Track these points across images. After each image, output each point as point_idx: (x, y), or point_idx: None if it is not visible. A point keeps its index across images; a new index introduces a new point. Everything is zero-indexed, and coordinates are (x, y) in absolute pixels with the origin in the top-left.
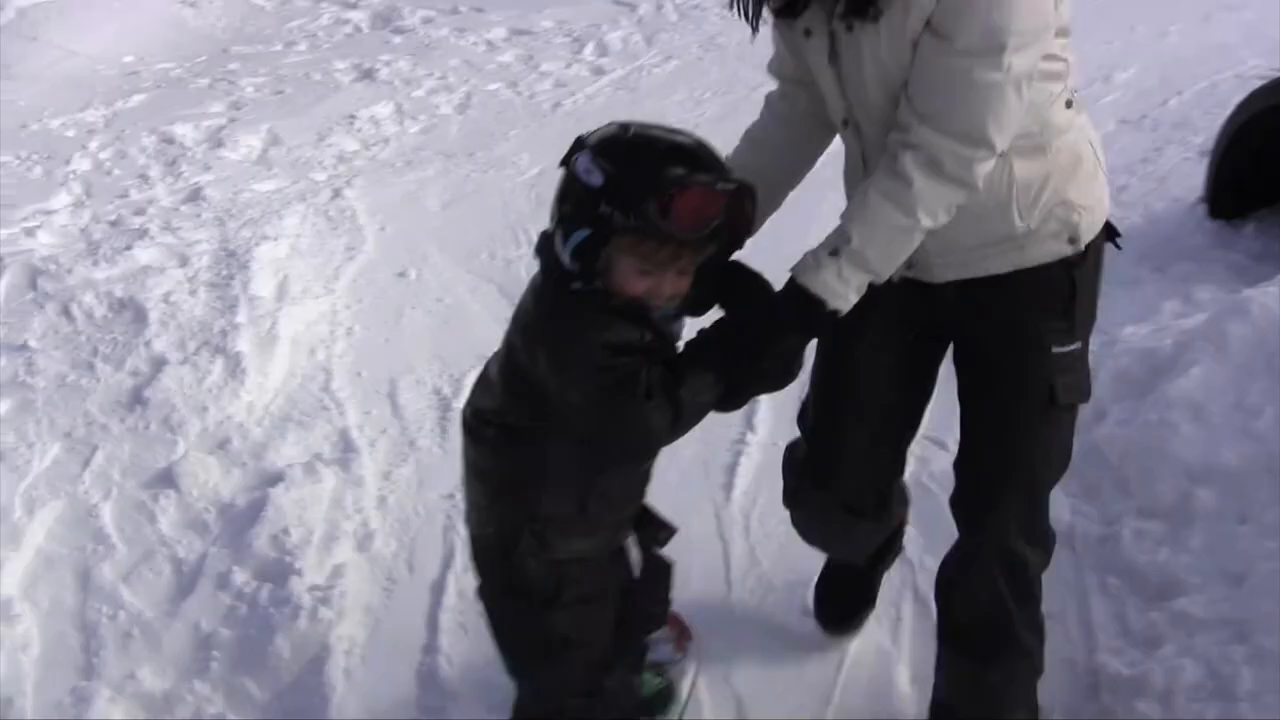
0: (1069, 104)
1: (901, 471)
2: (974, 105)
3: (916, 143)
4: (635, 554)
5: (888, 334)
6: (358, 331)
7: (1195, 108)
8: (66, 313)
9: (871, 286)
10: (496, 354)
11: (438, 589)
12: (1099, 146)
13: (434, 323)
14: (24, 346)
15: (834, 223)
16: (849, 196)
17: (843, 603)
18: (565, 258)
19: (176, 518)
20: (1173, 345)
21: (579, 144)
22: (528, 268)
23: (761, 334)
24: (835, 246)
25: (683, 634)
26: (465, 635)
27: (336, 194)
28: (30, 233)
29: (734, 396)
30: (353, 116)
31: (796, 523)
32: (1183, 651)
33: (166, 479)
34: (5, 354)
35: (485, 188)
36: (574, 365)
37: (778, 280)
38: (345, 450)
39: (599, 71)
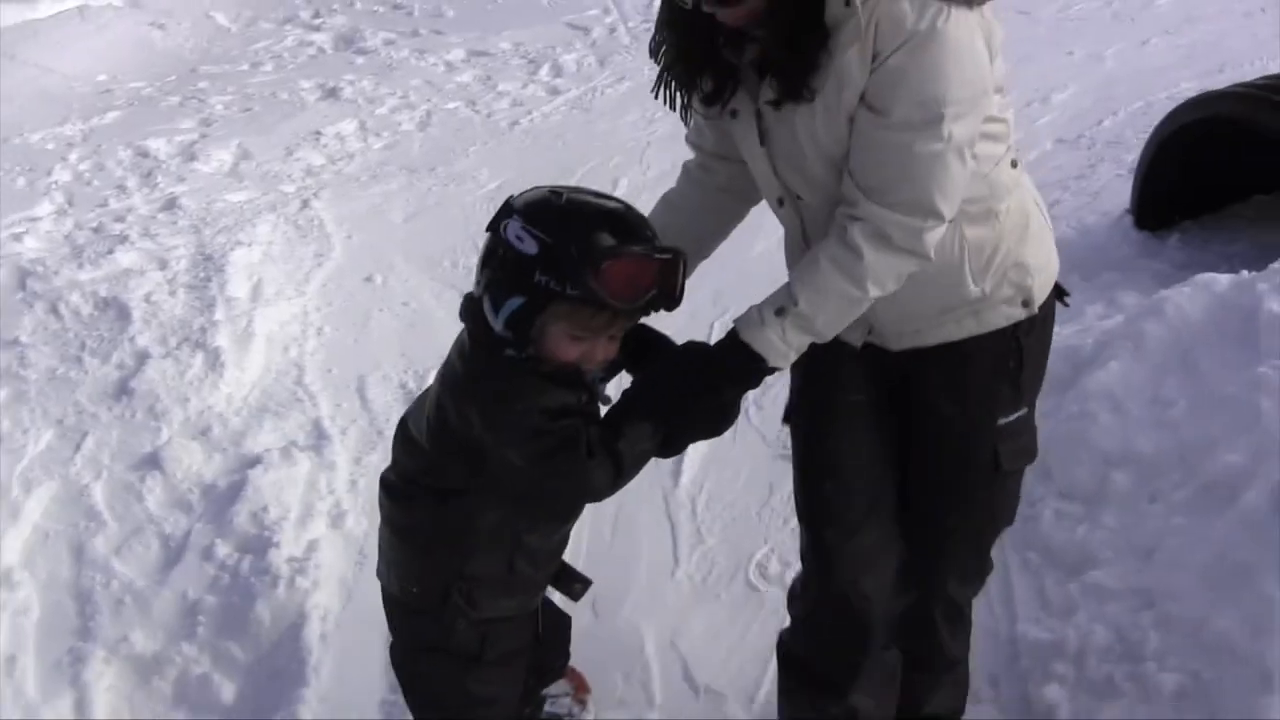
0: (1014, 164)
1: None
2: (917, 177)
3: (864, 216)
4: (540, 605)
5: (863, 408)
6: (328, 331)
7: (1129, 127)
8: (55, 311)
9: (836, 343)
10: (414, 415)
11: None
12: (1042, 204)
13: (400, 325)
14: (15, 342)
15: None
16: (790, 269)
17: None
18: (498, 325)
19: (163, 497)
20: (1094, 344)
21: (507, 208)
22: None
23: (698, 384)
24: (781, 306)
25: (580, 687)
26: None
27: (305, 205)
28: (18, 238)
29: (671, 444)
30: (319, 133)
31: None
32: (1095, 619)
33: (153, 462)
34: None
35: (446, 201)
36: (512, 428)
37: (679, 338)
38: (318, 438)
39: (554, 91)
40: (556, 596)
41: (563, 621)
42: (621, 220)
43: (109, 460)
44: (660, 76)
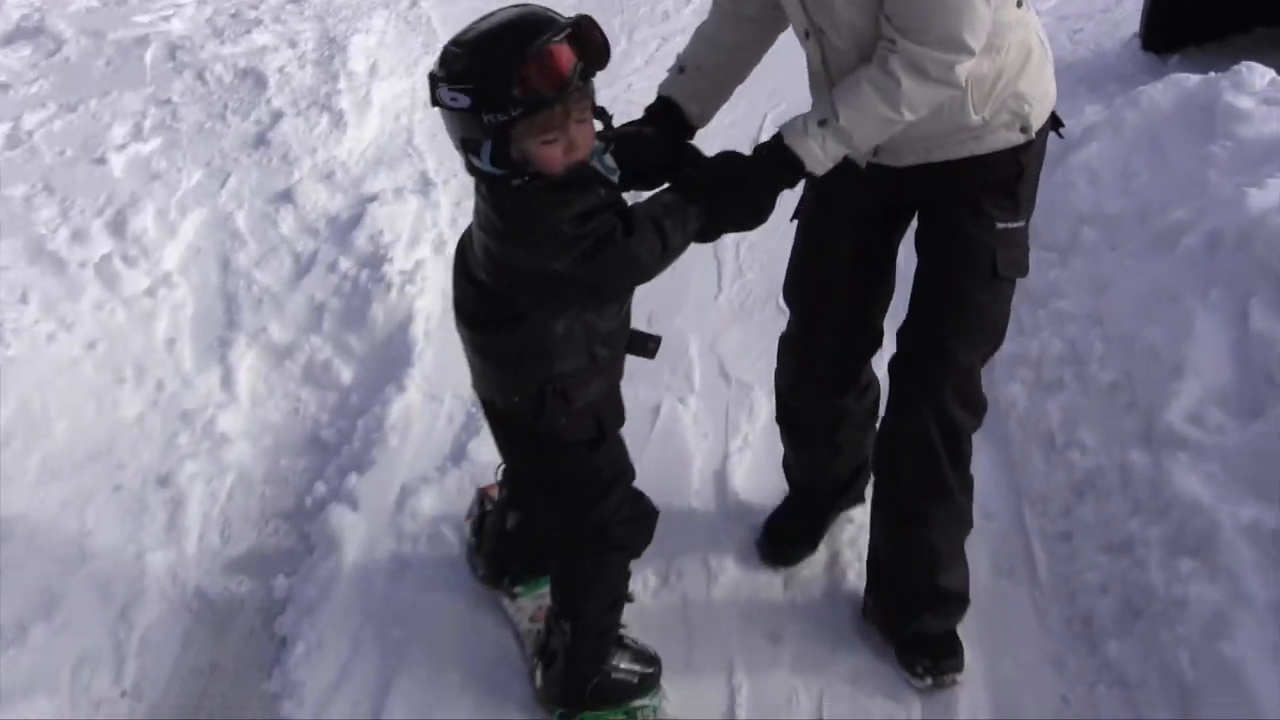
0: (1019, 3)
1: (878, 343)
2: (947, 16)
3: (901, 51)
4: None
5: (856, 215)
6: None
7: None
8: (201, 77)
9: (844, 161)
10: (468, 249)
11: None
12: (1044, 38)
13: None
14: (168, 101)
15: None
16: (814, 95)
17: (789, 539)
18: (488, 168)
19: (294, 224)
20: (1082, 130)
21: (433, 79)
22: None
23: (740, 180)
24: (824, 119)
25: None
26: None
27: (414, 4)
28: (165, 19)
29: (706, 233)
30: None
31: (788, 416)
32: (1054, 335)
33: (286, 197)
34: (154, 105)
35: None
36: (549, 244)
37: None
38: (424, 184)
39: None
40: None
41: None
42: (515, 26)
43: (249, 195)
44: None
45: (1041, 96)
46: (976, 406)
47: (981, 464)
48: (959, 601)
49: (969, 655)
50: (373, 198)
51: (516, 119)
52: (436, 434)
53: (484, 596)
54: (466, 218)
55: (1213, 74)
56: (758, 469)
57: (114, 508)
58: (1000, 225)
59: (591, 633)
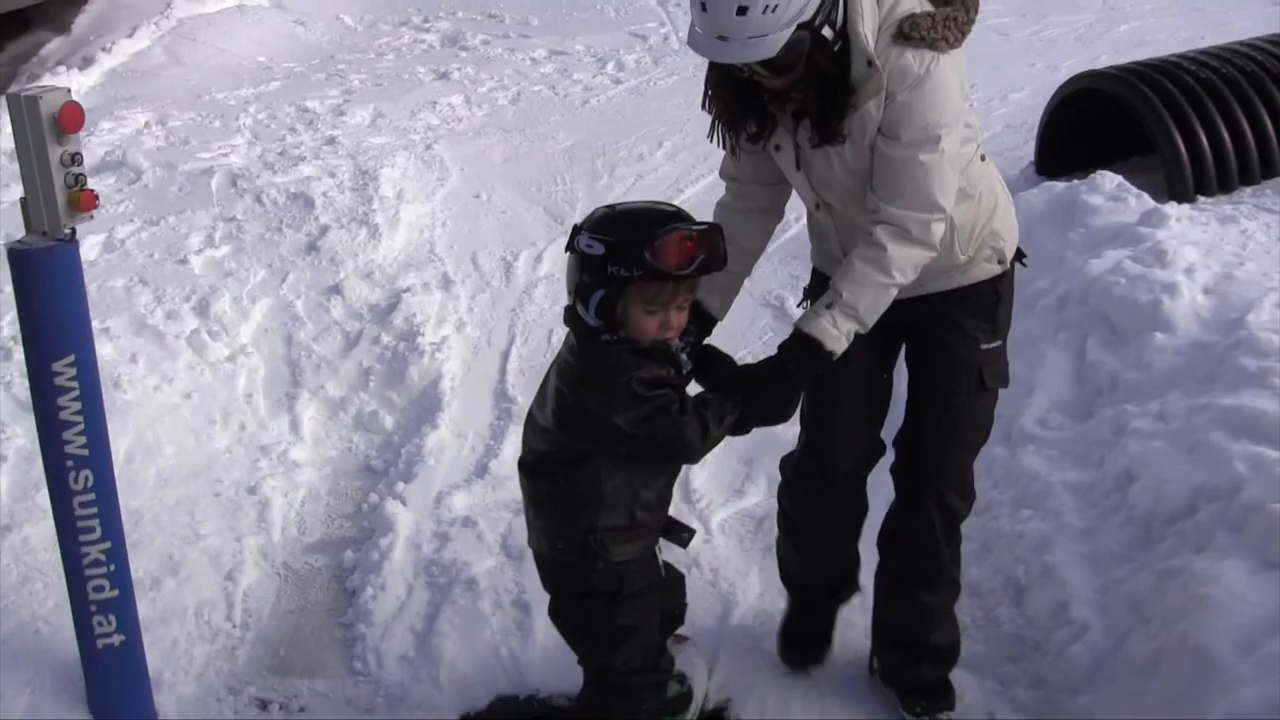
0: (982, 157)
1: (881, 453)
2: (923, 182)
3: (886, 219)
4: (661, 559)
5: (863, 340)
6: (449, 224)
7: None
8: (259, 200)
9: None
10: (537, 407)
11: (504, 356)
12: (1003, 184)
13: (498, 224)
14: (233, 218)
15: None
16: (819, 256)
17: (807, 643)
18: (590, 318)
19: (343, 310)
20: None
21: (576, 229)
22: (563, 196)
23: (769, 372)
24: (830, 301)
25: (678, 640)
26: None
27: (428, 148)
28: (225, 155)
29: (741, 425)
30: (434, 102)
31: (791, 525)
32: None
33: (335, 290)
34: (222, 221)
35: (533, 152)
36: (617, 397)
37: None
38: (446, 282)
39: (617, 81)
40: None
41: (678, 576)
42: (663, 212)
43: (305, 288)
44: (712, 124)
45: (1010, 232)
46: (970, 497)
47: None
48: (951, 652)
49: None
50: (405, 289)
51: (635, 279)
52: (464, 457)
53: (501, 558)
54: (480, 308)
55: (1075, 180)
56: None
57: (215, 508)
58: (984, 346)
59: None
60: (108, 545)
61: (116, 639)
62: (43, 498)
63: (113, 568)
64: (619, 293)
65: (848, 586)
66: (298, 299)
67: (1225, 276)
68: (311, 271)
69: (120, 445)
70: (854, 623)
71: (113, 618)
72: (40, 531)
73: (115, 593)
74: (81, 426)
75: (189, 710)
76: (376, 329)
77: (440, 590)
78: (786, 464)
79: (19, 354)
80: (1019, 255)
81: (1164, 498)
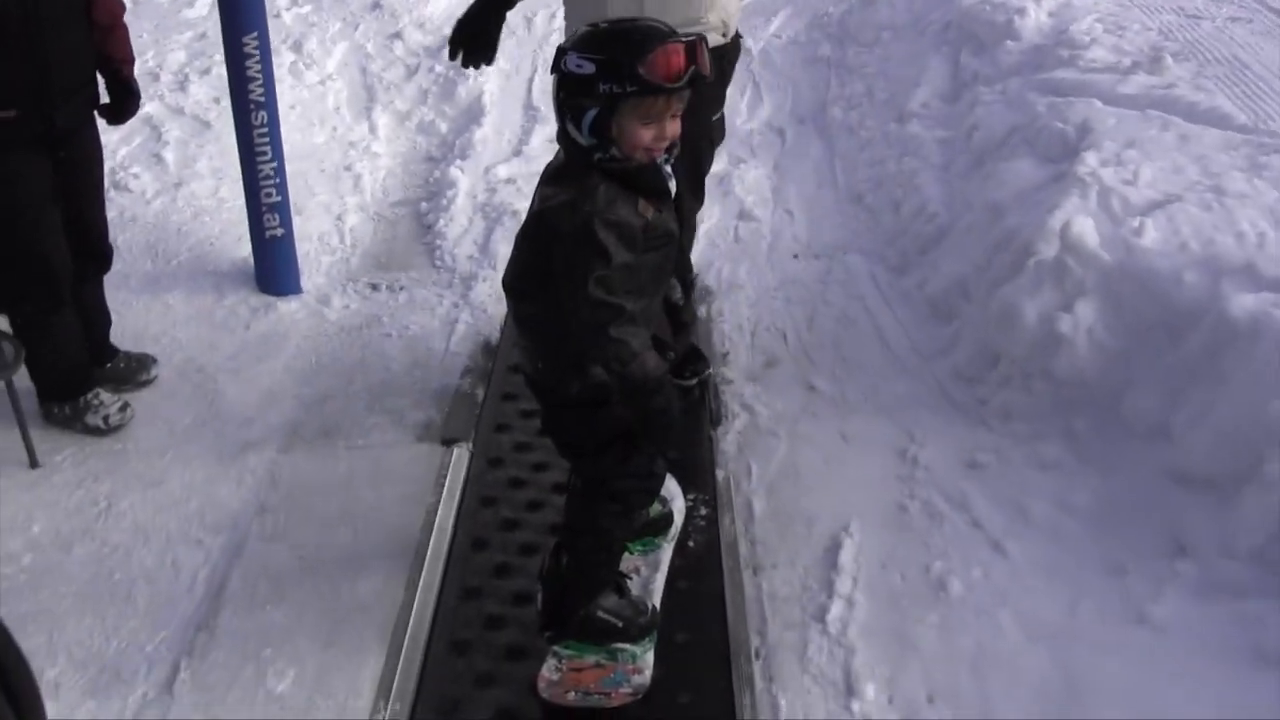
0: None
1: None
2: None
3: None
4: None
5: None
6: None
7: None
8: None
9: None
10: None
11: (529, 81)
12: None
13: None
14: None
15: None
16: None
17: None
18: (584, 136)
19: (404, 50)
20: None
21: (561, 50)
22: None
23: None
24: None
25: None
26: None
27: None
28: None
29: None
30: None
31: None
32: (859, 83)
33: (398, 36)
34: None
35: None
36: (576, 227)
37: None
38: None
39: None
40: None
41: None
42: (647, 27)
43: (373, 34)
44: None
45: (735, 14)
46: (700, 197)
47: (817, 146)
48: None
49: None
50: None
51: (629, 95)
52: (504, 145)
53: None
54: (509, 49)
55: None
56: None
57: (322, 179)
58: (714, 117)
59: (583, 568)
60: (275, 164)
61: (279, 231)
62: (201, 165)
63: (278, 180)
64: (612, 109)
65: None
66: (368, 42)
67: (1065, 4)
68: (377, 23)
69: None
70: None
71: (277, 215)
72: (201, 187)
73: (279, 198)
74: (261, 81)
75: (323, 289)
76: (431, 62)
77: (493, 220)
78: None
79: (165, 77)
80: (738, 36)
81: (992, 135)
